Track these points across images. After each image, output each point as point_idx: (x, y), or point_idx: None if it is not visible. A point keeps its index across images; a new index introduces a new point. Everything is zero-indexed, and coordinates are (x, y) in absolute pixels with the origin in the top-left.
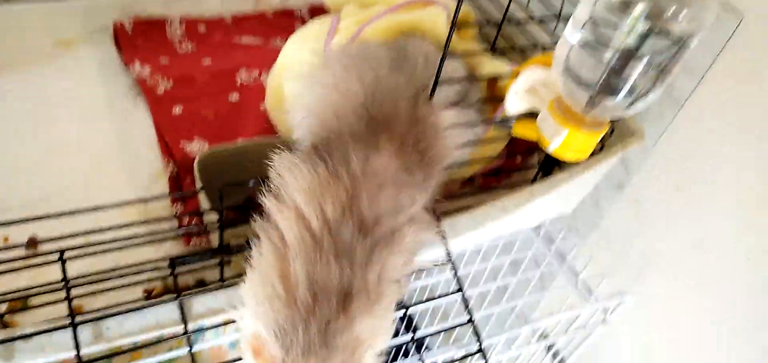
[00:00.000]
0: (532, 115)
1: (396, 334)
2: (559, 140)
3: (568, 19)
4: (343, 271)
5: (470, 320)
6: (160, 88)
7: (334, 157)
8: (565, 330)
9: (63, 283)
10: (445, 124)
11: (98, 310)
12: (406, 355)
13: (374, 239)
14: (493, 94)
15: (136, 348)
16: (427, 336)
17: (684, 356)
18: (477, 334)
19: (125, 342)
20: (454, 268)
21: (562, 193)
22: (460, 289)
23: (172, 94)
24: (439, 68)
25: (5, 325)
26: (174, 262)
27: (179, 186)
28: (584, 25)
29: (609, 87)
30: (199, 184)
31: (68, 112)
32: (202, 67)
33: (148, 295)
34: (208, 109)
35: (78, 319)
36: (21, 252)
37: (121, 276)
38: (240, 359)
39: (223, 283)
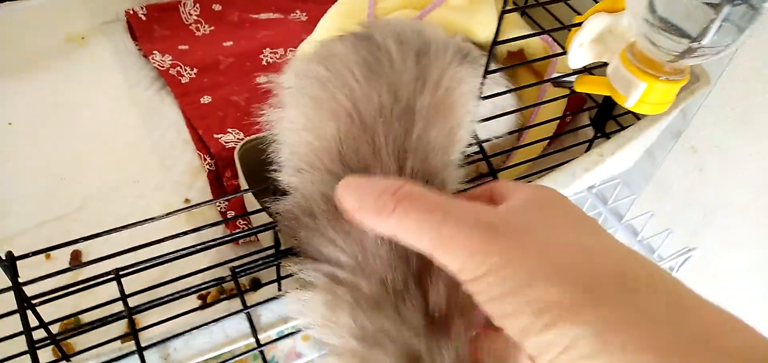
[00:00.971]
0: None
1: None
2: (637, 94)
3: None
4: None
5: None
6: (184, 77)
7: None
8: None
9: (121, 302)
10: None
11: (155, 324)
12: None
13: None
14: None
15: None
16: None
17: (755, 308)
18: None
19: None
20: None
21: (631, 150)
22: None
23: (197, 82)
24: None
25: (61, 349)
26: (236, 272)
27: (219, 180)
28: None
29: (705, 32)
30: (242, 178)
31: (92, 111)
32: (224, 49)
33: (204, 300)
34: (238, 95)
35: (143, 342)
36: (66, 266)
37: (178, 289)
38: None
39: (280, 282)
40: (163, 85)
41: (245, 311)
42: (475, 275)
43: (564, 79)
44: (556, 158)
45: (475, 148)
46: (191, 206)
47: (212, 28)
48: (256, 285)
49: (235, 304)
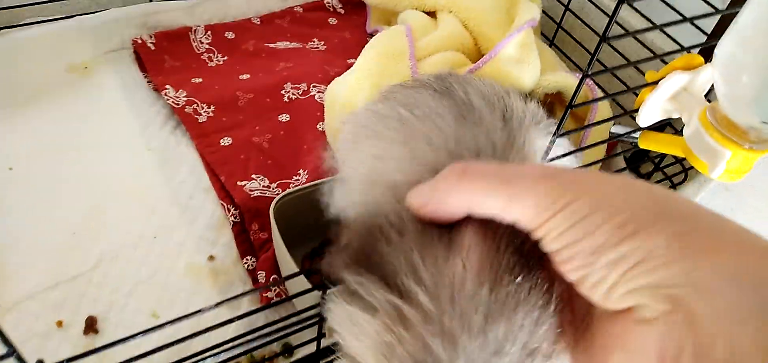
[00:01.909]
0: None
1: None
2: (722, 163)
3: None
4: None
5: None
6: (201, 116)
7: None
8: None
9: None
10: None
11: None
12: None
13: None
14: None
15: None
16: None
17: None
18: None
19: None
20: None
21: None
22: None
23: (216, 122)
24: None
25: None
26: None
27: (245, 232)
28: None
29: None
30: (276, 234)
31: (102, 154)
32: (242, 84)
33: None
34: (260, 136)
35: None
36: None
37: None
38: None
39: (319, 343)
40: (178, 123)
41: None
42: (551, 213)
43: (627, 136)
44: None
45: None
46: (231, 298)
47: (226, 58)
48: (288, 350)
49: None
